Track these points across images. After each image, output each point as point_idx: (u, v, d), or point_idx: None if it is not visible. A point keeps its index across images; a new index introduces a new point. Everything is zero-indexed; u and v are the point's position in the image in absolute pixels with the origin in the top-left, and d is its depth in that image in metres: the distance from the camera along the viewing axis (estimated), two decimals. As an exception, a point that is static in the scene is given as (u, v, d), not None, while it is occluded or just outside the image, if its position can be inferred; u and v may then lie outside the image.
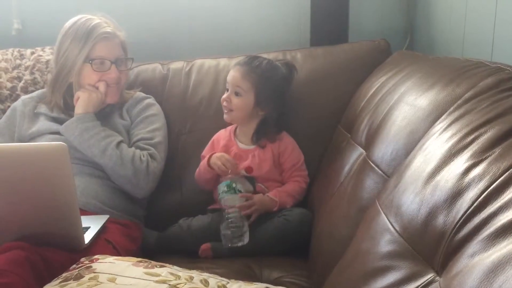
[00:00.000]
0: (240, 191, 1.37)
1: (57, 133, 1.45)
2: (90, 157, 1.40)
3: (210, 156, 1.46)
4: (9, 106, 1.59)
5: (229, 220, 1.31)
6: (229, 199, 1.34)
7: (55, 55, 1.50)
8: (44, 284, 0.87)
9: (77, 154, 1.40)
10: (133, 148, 1.43)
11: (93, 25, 1.45)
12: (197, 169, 1.52)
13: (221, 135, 1.55)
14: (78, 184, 1.32)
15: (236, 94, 1.46)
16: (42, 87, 1.65)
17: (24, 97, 1.58)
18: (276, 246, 1.35)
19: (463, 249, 0.61)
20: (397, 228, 0.77)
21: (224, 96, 1.48)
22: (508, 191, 0.60)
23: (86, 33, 1.44)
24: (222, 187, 1.38)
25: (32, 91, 1.64)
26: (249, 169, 1.45)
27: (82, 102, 1.44)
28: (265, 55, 1.67)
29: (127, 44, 1.52)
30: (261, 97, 1.47)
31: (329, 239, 1.12)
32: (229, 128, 1.56)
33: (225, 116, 1.50)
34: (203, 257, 1.35)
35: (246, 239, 1.31)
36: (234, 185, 1.37)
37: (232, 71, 1.50)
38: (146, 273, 0.86)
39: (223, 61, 1.69)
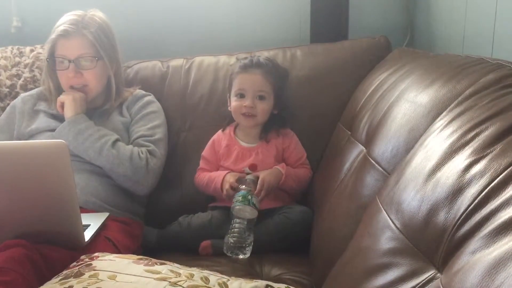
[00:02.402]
0: (254, 205, 1.33)
1: (57, 130, 1.45)
2: (87, 159, 1.40)
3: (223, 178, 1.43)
4: (8, 104, 1.59)
5: (234, 230, 1.30)
6: (240, 210, 1.31)
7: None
8: (45, 282, 0.87)
9: (76, 151, 1.40)
10: (130, 146, 1.43)
11: (59, 23, 1.44)
12: (198, 177, 1.51)
13: (221, 136, 1.53)
14: (78, 181, 1.31)
15: (261, 98, 1.44)
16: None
17: (23, 94, 1.58)
18: (277, 244, 1.34)
19: (464, 246, 0.61)
20: (398, 225, 0.77)
21: (247, 103, 1.43)
22: (509, 188, 0.60)
23: (52, 30, 1.44)
24: (237, 196, 1.34)
25: (32, 89, 1.63)
26: (252, 167, 1.45)
27: (69, 105, 1.43)
28: (265, 52, 1.67)
29: (105, 43, 1.46)
30: (279, 97, 1.47)
31: (330, 236, 1.12)
32: (227, 128, 1.54)
33: (247, 122, 1.46)
34: (203, 255, 1.35)
35: (248, 253, 1.29)
36: (249, 197, 1.33)
37: (249, 75, 1.45)
38: (147, 271, 0.86)
39: (223, 58, 1.69)
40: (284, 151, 1.49)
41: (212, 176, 1.46)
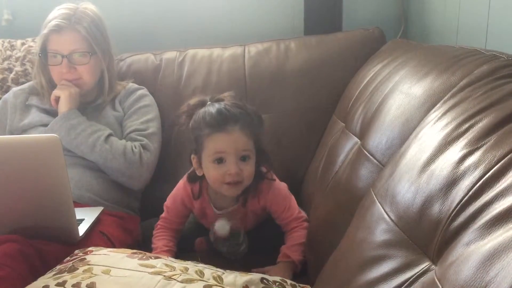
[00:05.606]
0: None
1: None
2: (80, 155, 1.39)
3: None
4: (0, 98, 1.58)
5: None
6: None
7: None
8: (39, 277, 0.87)
9: (69, 147, 1.39)
10: (123, 141, 1.42)
11: (51, 17, 1.42)
12: (157, 231, 1.32)
13: (193, 201, 1.29)
14: (72, 176, 1.31)
15: (244, 159, 1.17)
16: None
17: (15, 88, 1.56)
18: (272, 243, 1.32)
19: (458, 238, 0.61)
20: (393, 217, 0.77)
21: (232, 171, 1.15)
22: (503, 179, 0.60)
23: (44, 25, 1.42)
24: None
25: (23, 83, 1.62)
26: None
27: (65, 100, 1.41)
28: (258, 45, 1.66)
29: (98, 37, 1.44)
30: (259, 150, 1.22)
31: (324, 228, 1.12)
32: (197, 188, 1.27)
33: (233, 191, 1.20)
34: (199, 251, 1.33)
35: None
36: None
37: (227, 135, 1.14)
38: (141, 265, 0.86)
39: (216, 51, 1.68)
40: (268, 208, 1.29)
41: (157, 249, 1.27)
